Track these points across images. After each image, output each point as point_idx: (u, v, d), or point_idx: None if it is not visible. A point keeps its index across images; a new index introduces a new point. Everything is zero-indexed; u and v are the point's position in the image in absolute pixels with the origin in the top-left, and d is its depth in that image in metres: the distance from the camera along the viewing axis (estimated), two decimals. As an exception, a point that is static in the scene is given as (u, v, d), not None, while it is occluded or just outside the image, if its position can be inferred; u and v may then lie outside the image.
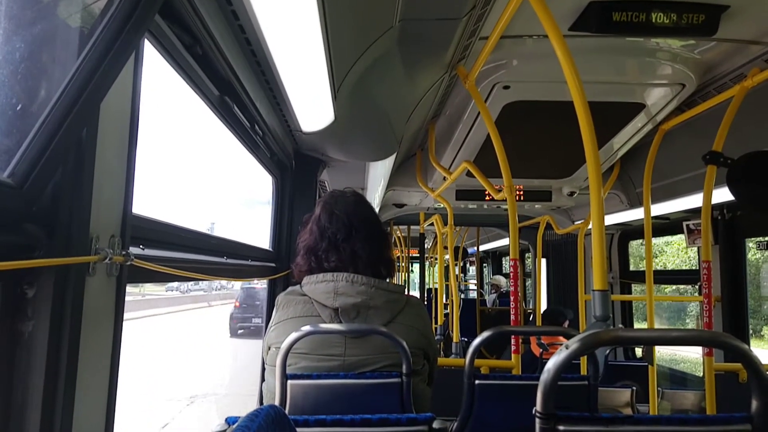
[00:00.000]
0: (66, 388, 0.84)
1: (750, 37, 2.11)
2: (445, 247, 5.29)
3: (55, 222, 0.83)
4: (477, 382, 1.82)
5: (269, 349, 1.67)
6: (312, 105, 2.03)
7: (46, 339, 0.81)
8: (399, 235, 9.47)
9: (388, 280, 1.73)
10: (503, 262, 11.60)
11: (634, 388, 3.21)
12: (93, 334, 0.91)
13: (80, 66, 0.79)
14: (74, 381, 0.86)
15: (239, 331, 15.90)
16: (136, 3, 0.84)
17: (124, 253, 0.98)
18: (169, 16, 1.22)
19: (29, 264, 0.77)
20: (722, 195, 2.72)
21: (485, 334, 1.81)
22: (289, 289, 1.74)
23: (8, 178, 0.73)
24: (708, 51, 2.24)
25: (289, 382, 1.52)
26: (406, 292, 1.76)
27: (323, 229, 1.72)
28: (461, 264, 11.64)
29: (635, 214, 4.35)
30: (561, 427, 0.95)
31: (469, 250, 10.98)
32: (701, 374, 3.36)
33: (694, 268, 5.31)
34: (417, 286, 10.13)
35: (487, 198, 4.20)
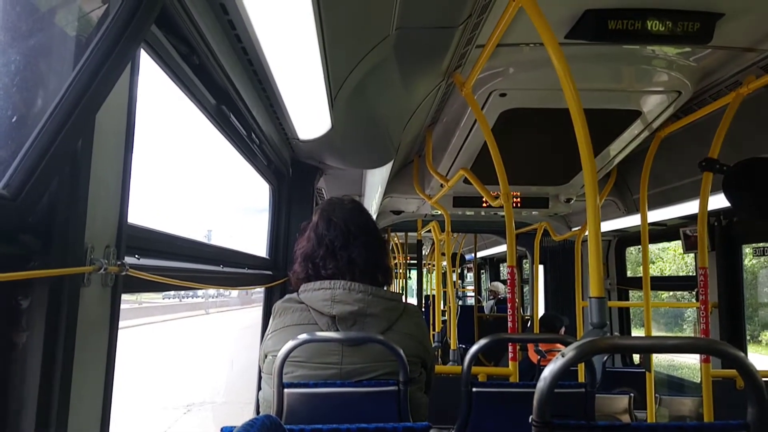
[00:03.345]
0: (60, 399, 0.84)
1: (745, 45, 2.12)
2: (443, 254, 5.29)
3: (51, 233, 0.82)
4: (474, 389, 1.82)
5: (266, 357, 1.66)
6: (309, 113, 2.03)
7: (40, 350, 0.80)
8: (396, 242, 9.47)
9: (385, 288, 1.73)
10: (501, 269, 11.58)
11: (632, 394, 3.21)
12: (88, 345, 0.91)
13: (76, 76, 0.79)
14: (69, 392, 0.86)
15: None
16: (132, 13, 0.84)
17: (119, 263, 0.98)
18: (166, 26, 1.22)
19: (24, 275, 0.77)
20: (719, 201, 2.73)
21: (483, 341, 1.81)
22: (286, 296, 1.74)
23: (3, 189, 0.73)
24: (703, 58, 2.25)
25: (286, 390, 1.51)
26: (403, 300, 1.76)
27: (321, 237, 1.72)
28: (459, 270, 11.63)
29: (632, 221, 4.35)
30: None
31: (467, 257, 10.98)
32: (699, 380, 3.36)
33: (690, 274, 5.31)
34: (414, 292, 10.12)
35: (484, 205, 4.21)
